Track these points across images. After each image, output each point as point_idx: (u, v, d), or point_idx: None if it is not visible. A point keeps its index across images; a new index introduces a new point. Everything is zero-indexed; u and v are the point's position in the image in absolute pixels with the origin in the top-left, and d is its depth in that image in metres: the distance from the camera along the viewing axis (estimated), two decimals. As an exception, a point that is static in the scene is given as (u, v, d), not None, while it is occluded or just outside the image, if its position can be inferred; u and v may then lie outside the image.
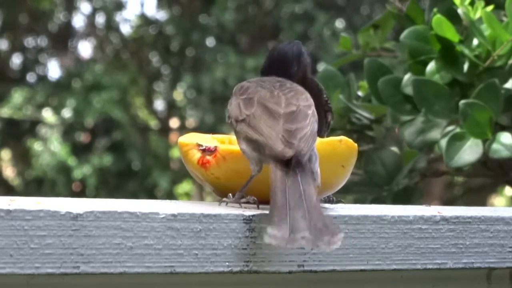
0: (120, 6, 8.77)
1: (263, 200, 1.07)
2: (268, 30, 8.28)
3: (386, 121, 1.82)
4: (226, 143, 1.21)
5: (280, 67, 1.20)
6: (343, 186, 1.24)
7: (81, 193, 7.76)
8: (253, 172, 1.09)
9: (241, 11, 8.15)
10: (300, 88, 1.13)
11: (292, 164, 1.02)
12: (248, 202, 1.08)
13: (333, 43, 7.07)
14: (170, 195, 7.99)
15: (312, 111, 1.10)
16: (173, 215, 0.98)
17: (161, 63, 8.86)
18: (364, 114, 1.83)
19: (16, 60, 8.98)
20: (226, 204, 1.08)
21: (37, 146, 8.10)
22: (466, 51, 1.66)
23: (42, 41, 9.04)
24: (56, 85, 8.23)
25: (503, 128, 1.69)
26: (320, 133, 1.22)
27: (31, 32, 8.95)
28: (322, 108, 1.26)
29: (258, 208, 1.06)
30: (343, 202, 1.25)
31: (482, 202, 7.61)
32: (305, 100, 1.11)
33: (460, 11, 1.68)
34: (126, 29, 9.17)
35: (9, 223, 0.91)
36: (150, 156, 8.11)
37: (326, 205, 1.20)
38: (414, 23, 1.76)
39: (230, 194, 1.10)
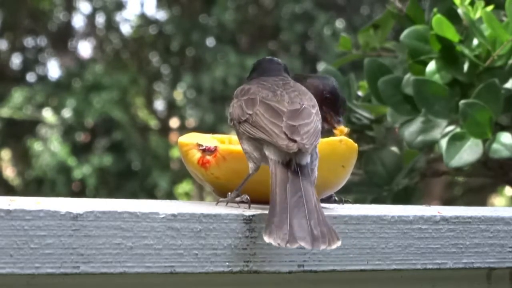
0: (120, 6, 8.77)
1: (261, 200, 1.07)
2: (268, 30, 8.28)
3: (386, 121, 1.82)
4: (226, 143, 1.22)
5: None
6: (343, 186, 1.24)
7: (81, 193, 7.76)
8: (250, 171, 1.09)
9: (241, 11, 8.15)
10: (303, 88, 1.14)
11: (293, 165, 1.02)
12: (242, 202, 1.08)
13: (333, 43, 7.07)
14: (170, 195, 7.99)
15: (316, 110, 1.10)
16: (173, 215, 0.98)
17: (161, 63, 8.86)
18: (364, 114, 1.83)
19: (16, 60, 8.98)
20: (226, 204, 1.08)
21: (37, 146, 8.09)
22: (466, 51, 1.66)
23: (42, 41, 9.04)
24: (56, 85, 8.23)
25: (503, 128, 1.69)
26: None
27: (31, 32, 8.95)
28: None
29: (249, 208, 1.06)
30: (350, 202, 1.26)
31: (482, 202, 7.61)
32: (310, 100, 1.11)
33: (460, 11, 1.68)
34: (126, 29, 9.18)
35: (9, 223, 0.91)
36: (150, 156, 8.11)
37: (333, 206, 1.21)
38: (414, 23, 1.76)
39: (229, 193, 1.10)
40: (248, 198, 1.08)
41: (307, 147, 1.03)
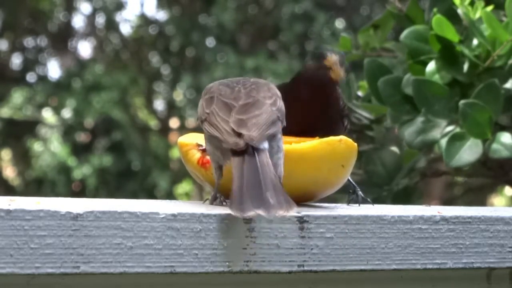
0: (120, 6, 8.77)
1: None
2: (268, 30, 8.28)
3: (386, 121, 1.82)
4: (226, 143, 1.21)
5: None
6: (343, 186, 1.24)
7: (81, 193, 7.76)
8: (215, 179, 1.11)
9: (241, 11, 8.15)
10: (264, 82, 1.14)
11: (249, 151, 1.03)
12: (219, 204, 1.10)
13: (333, 43, 7.06)
14: (170, 195, 7.99)
15: (273, 100, 1.10)
16: (173, 215, 0.98)
17: (161, 63, 8.86)
18: (364, 114, 1.83)
19: (16, 60, 8.98)
20: (211, 203, 1.11)
21: (37, 146, 8.09)
22: (466, 51, 1.66)
23: (42, 41, 9.04)
24: (56, 85, 8.22)
25: (503, 128, 1.69)
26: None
27: (31, 32, 8.95)
28: (338, 114, 1.29)
29: (222, 205, 1.08)
30: (370, 203, 1.26)
31: (482, 202, 7.61)
32: (266, 91, 1.11)
33: (460, 11, 1.68)
34: (126, 29, 9.18)
35: (9, 223, 0.91)
36: (150, 156, 8.11)
37: (333, 205, 1.21)
38: (414, 23, 1.76)
39: (208, 198, 1.13)
40: (222, 198, 1.10)
41: (254, 136, 1.03)
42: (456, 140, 1.64)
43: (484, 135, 1.64)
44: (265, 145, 1.04)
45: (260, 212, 0.96)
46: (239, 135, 1.04)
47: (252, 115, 1.07)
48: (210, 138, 1.09)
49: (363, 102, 1.87)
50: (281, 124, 1.09)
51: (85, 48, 10.83)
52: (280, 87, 1.18)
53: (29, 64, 8.74)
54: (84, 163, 7.66)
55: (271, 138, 1.06)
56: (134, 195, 7.49)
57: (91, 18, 9.07)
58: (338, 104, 1.30)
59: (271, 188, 0.99)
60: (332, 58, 1.26)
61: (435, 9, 1.69)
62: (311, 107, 1.28)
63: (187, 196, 8.86)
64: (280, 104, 1.11)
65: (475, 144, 1.63)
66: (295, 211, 0.99)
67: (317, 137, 1.20)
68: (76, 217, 0.93)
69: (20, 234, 0.91)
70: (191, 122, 8.73)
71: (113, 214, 0.95)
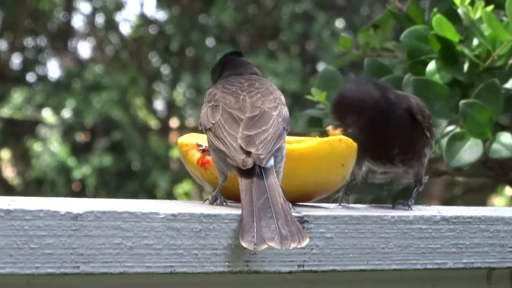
0: (119, 6, 8.77)
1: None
2: (268, 30, 8.28)
3: (386, 121, 1.82)
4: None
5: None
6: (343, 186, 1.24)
7: (81, 193, 7.75)
8: (219, 181, 1.11)
9: (240, 11, 8.14)
10: (269, 88, 1.13)
11: (256, 171, 1.02)
12: (219, 204, 1.10)
13: (333, 43, 7.06)
14: (170, 195, 7.98)
15: (278, 111, 1.09)
16: (173, 215, 0.98)
17: (161, 63, 8.85)
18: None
19: (16, 60, 8.97)
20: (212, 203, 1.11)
21: (37, 146, 8.09)
22: (466, 51, 1.66)
23: (42, 41, 9.03)
24: (56, 85, 8.22)
25: (503, 128, 1.69)
26: (424, 149, 1.24)
27: (31, 32, 8.94)
28: (419, 126, 1.26)
29: (223, 205, 1.08)
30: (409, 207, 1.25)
31: (482, 202, 7.60)
32: (272, 101, 1.10)
33: (460, 11, 1.68)
34: (125, 29, 9.17)
35: (9, 223, 0.91)
36: (150, 156, 8.10)
37: (333, 205, 1.21)
38: (414, 23, 1.76)
39: (209, 198, 1.13)
40: (222, 199, 1.10)
41: (262, 157, 1.03)
42: (456, 140, 1.64)
43: (484, 135, 1.64)
44: (272, 162, 1.04)
45: (272, 244, 0.96)
46: (248, 153, 1.03)
47: (260, 131, 1.05)
48: (215, 150, 1.08)
49: (363, 102, 1.86)
50: (286, 133, 1.09)
51: (84, 48, 10.83)
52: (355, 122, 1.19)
53: (29, 64, 8.74)
54: (84, 163, 7.66)
55: (276, 150, 1.06)
56: (134, 195, 7.49)
57: (90, 18, 9.07)
58: (415, 119, 1.25)
59: (282, 217, 0.98)
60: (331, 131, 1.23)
61: (435, 9, 1.69)
62: (383, 130, 1.24)
63: (187, 196, 8.86)
64: (285, 112, 1.10)
65: (475, 144, 1.63)
66: (307, 242, 0.98)
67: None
68: (76, 217, 0.93)
69: (20, 234, 0.91)
70: (191, 122, 8.72)
71: (113, 214, 0.95)
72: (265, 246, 0.96)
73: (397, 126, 1.23)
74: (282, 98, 1.12)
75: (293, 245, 0.96)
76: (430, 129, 1.26)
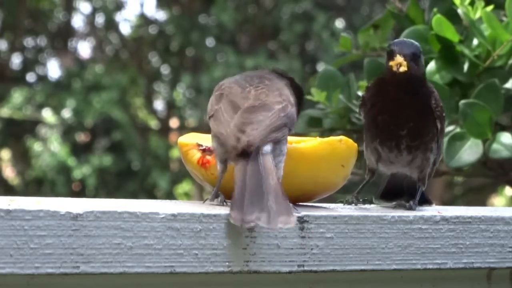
0: (119, 6, 8.77)
1: None
2: (267, 30, 8.28)
3: (386, 121, 1.81)
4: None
5: None
6: (343, 186, 1.24)
7: (81, 193, 7.75)
8: (219, 173, 1.11)
9: (240, 11, 8.14)
10: (277, 85, 1.13)
11: (252, 154, 1.03)
12: (220, 202, 1.10)
13: (333, 43, 7.06)
14: (170, 195, 7.99)
15: (282, 107, 1.09)
16: (173, 215, 0.98)
17: (161, 63, 8.85)
18: (364, 114, 1.83)
19: (16, 60, 8.97)
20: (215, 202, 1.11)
21: (37, 146, 8.09)
22: (466, 51, 1.66)
23: (42, 41, 9.03)
24: (56, 85, 8.22)
25: (503, 128, 1.69)
26: (431, 142, 1.23)
27: (31, 32, 8.95)
28: (431, 114, 1.25)
29: (223, 205, 1.08)
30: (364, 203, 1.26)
31: (482, 202, 7.61)
32: (277, 96, 1.11)
33: (460, 11, 1.68)
34: (125, 29, 9.18)
35: (9, 223, 0.91)
36: (150, 156, 8.10)
37: (333, 206, 1.21)
38: (414, 23, 1.76)
39: (209, 197, 1.13)
40: (222, 197, 1.10)
41: (252, 142, 1.03)
42: (456, 140, 1.64)
43: (484, 135, 1.64)
44: (268, 148, 1.04)
45: (259, 223, 0.96)
46: (238, 139, 1.04)
47: (254, 119, 1.06)
48: (215, 136, 1.09)
49: (363, 102, 1.86)
50: (288, 131, 1.09)
51: (84, 48, 10.83)
52: (368, 88, 1.19)
53: (29, 64, 8.74)
54: (84, 163, 7.66)
55: (276, 142, 1.06)
56: (134, 195, 7.49)
57: (90, 18, 9.07)
58: (430, 102, 1.25)
59: (273, 196, 0.98)
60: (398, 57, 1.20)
61: (435, 9, 1.69)
62: (397, 106, 1.24)
63: (187, 196, 8.86)
64: (291, 110, 1.10)
65: (475, 144, 1.63)
66: (294, 223, 0.98)
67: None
68: (76, 217, 0.93)
69: (20, 234, 0.91)
70: (191, 122, 8.73)
71: (113, 214, 0.95)
72: (252, 224, 0.97)
73: (413, 108, 1.23)
74: (292, 98, 1.12)
75: (280, 225, 0.97)
76: (441, 120, 1.26)
